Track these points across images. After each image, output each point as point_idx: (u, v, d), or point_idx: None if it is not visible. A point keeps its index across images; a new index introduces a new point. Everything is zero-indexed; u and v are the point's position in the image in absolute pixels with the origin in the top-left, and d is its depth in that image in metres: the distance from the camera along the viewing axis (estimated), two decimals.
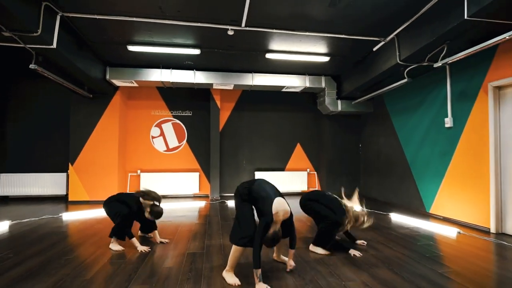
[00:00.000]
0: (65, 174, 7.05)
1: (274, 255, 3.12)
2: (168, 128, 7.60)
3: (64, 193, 6.99)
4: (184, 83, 6.52)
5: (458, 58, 4.10)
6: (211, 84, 6.71)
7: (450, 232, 4.21)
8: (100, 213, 5.45)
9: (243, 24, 4.58)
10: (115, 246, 3.47)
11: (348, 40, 5.22)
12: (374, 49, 5.44)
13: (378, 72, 5.42)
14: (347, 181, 7.78)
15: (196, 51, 5.51)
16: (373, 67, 5.61)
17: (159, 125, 7.56)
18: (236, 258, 2.59)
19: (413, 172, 5.86)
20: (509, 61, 4.01)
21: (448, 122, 4.93)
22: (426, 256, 3.25)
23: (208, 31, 4.86)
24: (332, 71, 6.81)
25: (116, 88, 6.78)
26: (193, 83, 6.56)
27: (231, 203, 6.69)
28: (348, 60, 6.17)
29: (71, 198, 6.58)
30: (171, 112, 7.63)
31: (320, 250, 3.37)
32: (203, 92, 7.57)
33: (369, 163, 7.46)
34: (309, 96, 8.03)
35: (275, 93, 7.77)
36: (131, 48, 5.33)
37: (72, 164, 6.59)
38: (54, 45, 4.24)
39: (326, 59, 5.94)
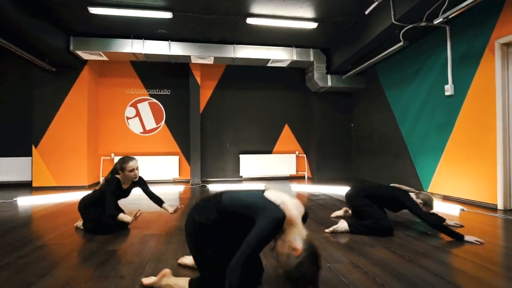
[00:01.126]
0: (30, 158, 6.40)
1: None
2: (144, 108, 6.98)
3: (30, 179, 6.36)
4: (159, 55, 5.90)
5: (461, 10, 3.57)
6: (189, 58, 6.10)
7: (452, 209, 3.73)
8: (61, 198, 4.87)
9: None
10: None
11: (338, 1, 4.66)
12: (366, 12, 4.89)
13: (372, 37, 4.88)
14: (338, 163, 7.29)
15: (168, 14, 4.88)
16: (365, 33, 5.07)
17: (134, 105, 6.93)
18: None
19: (409, 149, 5.38)
20: None
21: (449, 89, 4.43)
22: (428, 233, 2.76)
23: None
24: (321, 42, 6.26)
25: (84, 62, 6.13)
26: (168, 56, 5.94)
27: (212, 187, 6.16)
28: (338, 28, 5.61)
29: (35, 183, 5.97)
30: (148, 91, 7.00)
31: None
32: (182, 68, 6.94)
33: (362, 143, 6.96)
34: (297, 73, 7.46)
35: (261, 69, 7.19)
36: (93, 10, 4.69)
37: (35, 147, 5.97)
38: None
39: (313, 25, 5.37)
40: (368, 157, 6.70)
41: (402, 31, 4.46)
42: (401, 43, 4.61)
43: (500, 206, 3.73)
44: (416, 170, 5.19)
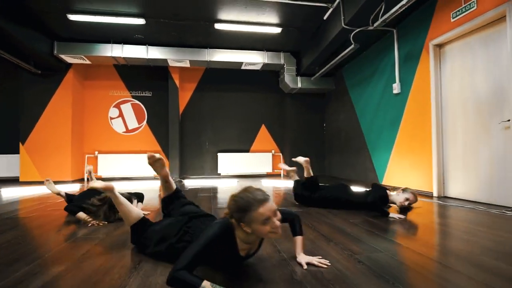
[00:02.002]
0: (18, 155, 6.83)
1: None
2: (127, 108, 7.41)
3: (18, 174, 6.78)
4: (137, 58, 6.34)
5: (394, 14, 3.94)
6: (166, 61, 6.54)
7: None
8: (43, 190, 5.26)
9: None
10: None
11: (296, 6, 5.07)
12: (325, 17, 5.29)
13: (329, 40, 5.27)
14: (312, 162, 7.58)
15: (141, 21, 5.32)
16: (325, 37, 5.46)
17: (117, 106, 7.37)
18: None
19: (367, 145, 5.72)
20: (447, 16, 3.87)
21: (396, 87, 4.79)
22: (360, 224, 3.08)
23: None
24: (291, 46, 6.66)
25: (69, 65, 6.58)
26: (147, 59, 6.37)
27: (187, 182, 6.52)
28: (302, 32, 6.01)
29: (22, 178, 6.38)
30: (131, 93, 7.44)
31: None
32: (162, 72, 7.37)
33: (332, 142, 7.31)
34: (272, 76, 7.86)
35: (239, 73, 7.60)
36: (72, 17, 5.15)
37: (22, 144, 6.39)
38: None
39: (277, 30, 5.78)
40: (337, 154, 7.04)
41: (352, 34, 4.84)
42: (352, 46, 4.98)
43: (435, 193, 4.04)
44: (373, 165, 5.52)
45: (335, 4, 4.86)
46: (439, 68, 4.10)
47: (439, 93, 4.08)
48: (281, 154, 7.95)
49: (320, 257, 1.66)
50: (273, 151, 7.92)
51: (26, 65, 5.84)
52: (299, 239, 1.69)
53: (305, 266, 1.56)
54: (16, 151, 6.83)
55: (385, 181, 5.13)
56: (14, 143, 6.85)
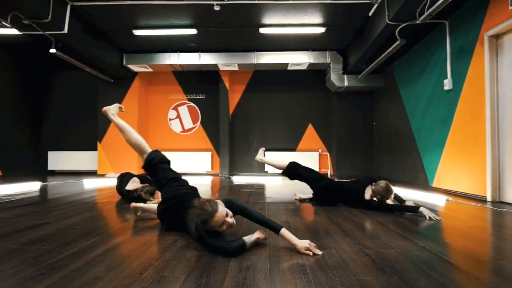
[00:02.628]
0: (96, 152, 8.06)
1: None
2: (183, 110, 8.15)
3: (96, 168, 7.99)
4: (191, 65, 6.96)
5: (440, 6, 3.73)
6: (217, 65, 7.05)
7: (439, 200, 3.84)
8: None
9: None
10: None
11: (339, 6, 5.08)
12: (370, 13, 5.19)
13: (373, 37, 5.15)
14: (360, 161, 7.44)
15: (193, 31, 5.88)
16: (370, 34, 5.34)
17: (175, 108, 8.16)
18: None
19: (418, 145, 5.42)
20: (505, 3, 3.53)
21: (447, 84, 4.48)
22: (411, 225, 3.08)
23: (197, 8, 5.18)
24: (336, 45, 6.61)
25: (135, 73, 7.53)
26: (199, 65, 6.97)
27: (236, 178, 6.94)
28: (347, 30, 5.95)
29: (99, 172, 7.51)
30: (186, 96, 8.17)
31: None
32: (213, 75, 7.94)
33: (382, 141, 7.04)
34: (318, 75, 7.85)
35: (285, 74, 7.79)
36: (136, 32, 5.93)
37: (100, 142, 7.52)
38: (66, 31, 4.97)
39: (321, 29, 5.82)
40: (386, 154, 6.76)
41: (397, 29, 4.67)
42: (398, 42, 4.80)
43: (489, 198, 3.72)
44: (423, 166, 5.22)
45: (379, 0, 4.75)
46: (495, 61, 3.75)
47: (494, 89, 3.74)
48: (328, 153, 7.92)
49: (315, 245, 1.78)
50: (320, 150, 7.92)
51: (102, 76, 6.88)
52: (285, 234, 1.80)
53: (311, 254, 1.73)
54: (95, 148, 8.07)
55: (436, 184, 4.83)
56: (94, 141, 8.10)
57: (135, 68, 7.16)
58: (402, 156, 6.01)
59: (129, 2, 4.94)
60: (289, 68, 7.21)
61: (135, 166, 7.46)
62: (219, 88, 7.72)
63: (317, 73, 7.81)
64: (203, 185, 5.56)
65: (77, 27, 5.35)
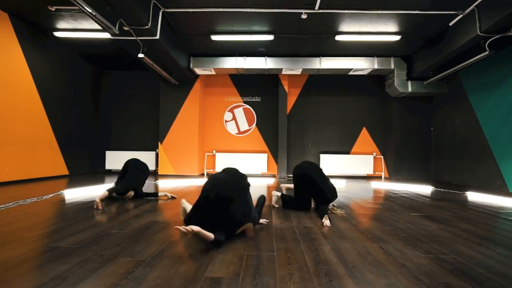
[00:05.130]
0: (154, 152, 8.22)
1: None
2: (239, 113, 8.30)
3: (154, 168, 8.15)
4: (256, 69, 7.10)
5: None
6: (281, 70, 7.19)
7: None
8: (181, 183, 6.33)
9: (317, 6, 4.93)
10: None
11: (421, 16, 5.22)
12: (451, 23, 5.33)
13: (456, 46, 5.29)
14: (417, 165, 7.61)
15: (270, 37, 6.02)
16: (450, 43, 5.48)
17: (231, 110, 8.31)
18: None
19: (493, 152, 5.58)
20: None
21: None
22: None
23: (283, 16, 5.32)
24: (402, 51, 6.75)
25: (197, 76, 7.67)
26: (264, 69, 7.10)
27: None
28: (420, 38, 6.09)
29: (160, 172, 7.67)
30: (242, 98, 8.31)
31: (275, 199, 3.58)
32: (271, 78, 8.09)
33: (442, 146, 7.19)
34: (374, 79, 8.02)
35: (340, 77, 7.94)
36: (214, 37, 6.06)
37: (161, 143, 7.68)
38: (158, 36, 5.11)
39: (397, 38, 5.96)
40: (448, 158, 6.92)
41: (488, 41, 4.81)
42: (486, 52, 4.94)
43: None
44: (501, 173, 5.38)
45: (467, 11, 4.89)
46: None
47: None
48: (382, 156, 8.08)
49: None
50: (374, 153, 8.09)
51: (171, 78, 7.01)
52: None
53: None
54: (152, 149, 8.24)
55: None
56: (149, 142, 8.28)
57: (199, 71, 7.30)
58: (470, 162, 6.17)
59: (221, 10, 5.08)
60: (350, 73, 7.36)
61: (196, 167, 7.62)
62: (279, 92, 7.87)
63: (372, 77, 7.96)
64: (258, 187, 5.71)
65: (166, 32, 5.49)
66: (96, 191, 4.67)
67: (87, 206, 3.42)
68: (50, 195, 4.15)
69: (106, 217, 2.93)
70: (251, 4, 4.99)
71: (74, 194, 4.36)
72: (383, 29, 5.74)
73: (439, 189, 5.66)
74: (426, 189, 5.73)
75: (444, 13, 5.07)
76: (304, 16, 5.21)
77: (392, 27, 5.68)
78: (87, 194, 4.35)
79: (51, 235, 2.27)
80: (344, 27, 5.70)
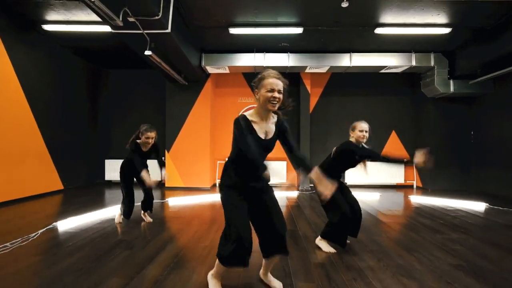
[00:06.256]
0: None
1: (261, 271, 2.13)
2: None
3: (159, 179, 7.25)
4: (277, 67, 6.20)
5: None
6: (304, 68, 6.32)
7: None
8: (191, 200, 5.49)
9: None
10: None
11: (481, 3, 4.35)
12: None
13: None
14: (455, 173, 6.81)
15: (299, 30, 5.13)
16: (510, 36, 4.64)
17: None
18: None
19: None
20: None
21: None
22: None
23: (318, 4, 4.43)
24: (445, 46, 5.90)
25: (208, 75, 6.77)
26: (286, 67, 6.22)
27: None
28: (469, 31, 5.25)
29: (167, 184, 6.80)
30: None
31: (324, 246, 2.82)
32: (291, 77, 7.13)
33: (485, 153, 6.39)
34: (406, 78, 7.17)
35: (366, 76, 7.08)
36: (233, 30, 5.17)
37: (168, 151, 6.80)
38: (169, 29, 4.19)
39: (447, 30, 5.11)
40: (494, 168, 6.13)
41: None
42: None
43: None
44: None
45: None
46: None
47: None
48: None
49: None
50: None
51: (179, 78, 6.10)
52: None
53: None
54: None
55: None
56: (161, 150, 7.36)
57: (211, 69, 6.40)
58: None
59: None
60: (383, 71, 6.50)
61: (208, 178, 6.77)
62: (300, 92, 6.99)
63: (406, 76, 7.11)
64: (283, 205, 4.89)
65: (177, 25, 4.58)
66: (96, 220, 3.82)
67: (87, 257, 2.56)
68: (40, 231, 3.28)
69: (116, 283, 2.07)
70: None
71: (69, 227, 3.50)
72: (433, 20, 4.88)
73: (496, 207, 4.88)
74: (479, 206, 4.96)
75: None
76: (345, 5, 4.33)
77: (444, 18, 4.82)
78: (86, 227, 3.49)
79: None
80: (388, 18, 4.83)
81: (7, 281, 2.11)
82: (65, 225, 3.55)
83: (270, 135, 1.86)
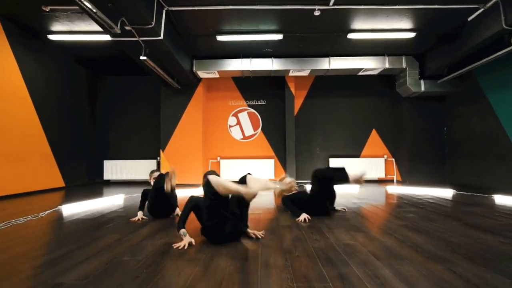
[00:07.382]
0: (155, 160, 7.81)
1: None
2: (244, 117, 7.95)
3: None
4: (262, 70, 6.77)
5: None
6: (288, 71, 6.87)
7: None
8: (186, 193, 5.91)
9: (332, 2, 4.64)
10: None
11: (439, 11, 4.95)
12: (470, 18, 5.09)
13: (476, 42, 5.04)
14: (430, 167, 7.30)
15: (279, 36, 5.71)
16: (470, 38, 5.22)
17: (235, 115, 7.95)
18: None
19: None
20: None
21: None
22: None
23: (294, 13, 5.01)
24: (414, 49, 6.49)
25: (199, 80, 7.31)
26: (270, 71, 6.78)
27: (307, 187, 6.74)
28: (434, 35, 5.83)
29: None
30: (246, 102, 7.97)
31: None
32: (277, 81, 7.76)
33: (457, 147, 6.91)
34: (383, 80, 7.75)
35: (347, 78, 7.65)
36: (220, 38, 5.73)
37: (163, 151, 7.27)
38: (161, 37, 4.76)
39: (411, 35, 5.69)
40: (465, 160, 6.63)
41: None
42: (511, 47, 4.68)
43: None
44: None
45: (489, 4, 4.65)
46: None
47: None
48: (393, 159, 7.78)
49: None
50: (385, 156, 7.78)
51: (172, 82, 6.63)
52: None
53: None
54: (153, 157, 7.82)
55: None
56: (150, 150, 7.86)
57: (202, 74, 6.95)
58: (491, 163, 5.89)
59: (230, 7, 4.76)
60: (360, 73, 7.07)
61: (200, 175, 7.21)
62: (285, 94, 7.54)
63: (383, 78, 7.69)
64: (266, 195, 5.33)
65: (169, 32, 5.14)
66: (95, 205, 4.26)
67: (89, 225, 3.01)
68: (47, 212, 3.73)
69: (113, 238, 2.52)
70: (260, 1, 4.68)
71: (72, 210, 3.93)
72: (398, 25, 5.47)
73: (461, 193, 5.35)
74: (447, 193, 5.41)
75: (463, 7, 4.81)
76: (317, 13, 4.91)
77: (407, 23, 5.41)
78: (86, 209, 3.93)
79: (52, 267, 1.87)
80: (358, 24, 5.42)
81: (25, 238, 2.56)
82: (69, 208, 3.99)
83: None
